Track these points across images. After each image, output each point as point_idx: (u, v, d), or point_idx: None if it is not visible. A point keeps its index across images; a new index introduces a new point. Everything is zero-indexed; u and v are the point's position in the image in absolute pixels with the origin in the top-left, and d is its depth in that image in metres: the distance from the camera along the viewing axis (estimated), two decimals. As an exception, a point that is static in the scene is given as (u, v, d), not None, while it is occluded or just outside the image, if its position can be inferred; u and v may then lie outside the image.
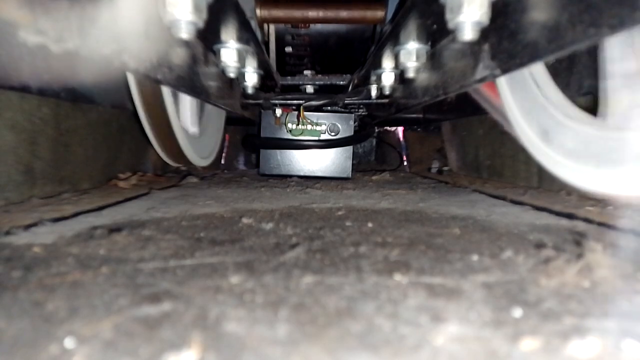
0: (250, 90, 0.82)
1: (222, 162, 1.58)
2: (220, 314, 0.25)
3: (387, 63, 0.75)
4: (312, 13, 0.92)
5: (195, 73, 0.62)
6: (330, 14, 0.92)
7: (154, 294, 0.28)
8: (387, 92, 0.83)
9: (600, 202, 0.64)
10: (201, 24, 0.47)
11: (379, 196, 0.80)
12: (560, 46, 0.34)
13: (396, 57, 0.65)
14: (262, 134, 1.23)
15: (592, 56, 0.63)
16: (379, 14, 0.92)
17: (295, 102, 1.14)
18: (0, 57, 0.52)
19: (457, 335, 0.23)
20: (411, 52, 0.62)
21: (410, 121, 1.56)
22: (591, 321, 0.25)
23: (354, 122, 1.24)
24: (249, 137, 1.42)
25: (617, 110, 0.48)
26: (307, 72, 1.12)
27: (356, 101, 1.08)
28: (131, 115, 0.91)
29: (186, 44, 0.56)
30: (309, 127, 1.22)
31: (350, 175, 1.22)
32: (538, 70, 0.60)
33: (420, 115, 1.46)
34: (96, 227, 0.48)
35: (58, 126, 0.74)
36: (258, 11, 0.90)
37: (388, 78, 0.79)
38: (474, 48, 0.50)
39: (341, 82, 1.10)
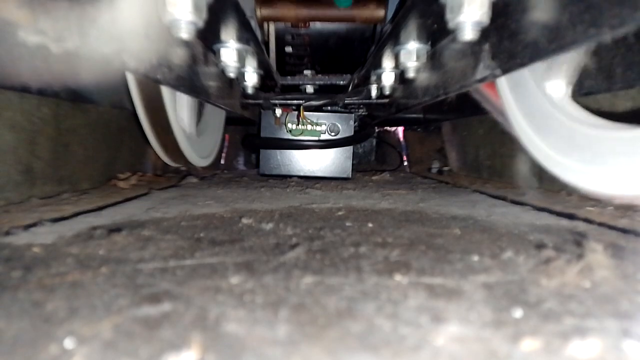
0: (250, 90, 0.82)
1: (222, 162, 1.58)
2: (220, 314, 0.25)
3: (388, 63, 0.75)
4: (312, 12, 0.92)
5: (195, 73, 0.62)
6: (331, 13, 0.92)
7: (154, 294, 0.28)
8: (387, 92, 0.83)
9: (600, 202, 0.64)
10: (201, 24, 0.47)
11: (379, 196, 0.80)
12: (561, 46, 0.34)
13: (396, 57, 0.65)
14: (262, 134, 1.23)
15: (593, 55, 0.63)
16: (379, 13, 0.92)
17: (295, 102, 1.14)
18: (0, 57, 0.52)
19: (457, 335, 0.23)
20: (411, 52, 0.62)
21: (410, 121, 1.56)
22: (592, 322, 0.25)
23: (354, 122, 1.24)
24: (248, 137, 1.42)
25: None
26: (307, 72, 1.12)
27: (356, 101, 1.08)
28: (131, 115, 0.91)
29: (186, 43, 0.56)
30: (309, 127, 1.22)
31: (350, 176, 1.22)
32: (539, 70, 0.60)
33: (421, 115, 1.46)
34: (96, 228, 0.48)
35: (58, 126, 0.74)
36: (258, 10, 0.90)
37: (388, 78, 0.79)
38: (474, 48, 0.50)
39: (341, 82, 1.09)
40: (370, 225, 0.52)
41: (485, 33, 0.45)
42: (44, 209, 0.59)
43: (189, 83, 0.60)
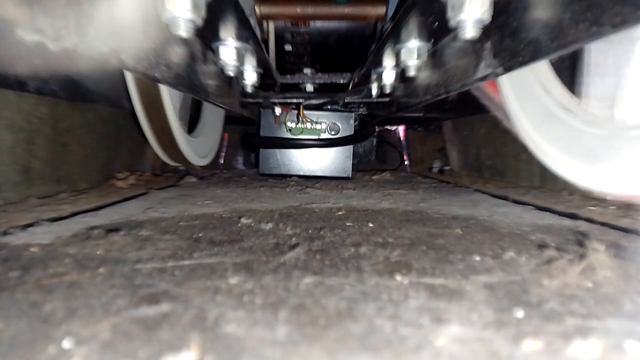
0: (249, 89, 0.82)
1: (221, 161, 1.58)
2: (219, 315, 0.25)
3: (388, 61, 0.75)
4: (312, 10, 0.92)
5: (193, 71, 0.62)
6: (331, 10, 0.92)
7: (152, 294, 0.28)
8: (387, 90, 0.83)
9: (602, 201, 0.64)
10: (200, 22, 0.46)
11: (380, 196, 0.80)
12: (563, 45, 0.34)
13: (397, 55, 0.65)
14: (262, 133, 1.23)
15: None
16: (380, 10, 0.91)
17: (295, 100, 1.13)
18: (-2, 56, 0.52)
19: (458, 336, 0.23)
20: (412, 50, 0.62)
21: (411, 120, 1.56)
22: (593, 322, 0.24)
23: (354, 121, 1.24)
24: (248, 136, 1.42)
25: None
26: (306, 71, 1.12)
27: (356, 100, 1.08)
28: (129, 114, 0.91)
29: (185, 42, 0.56)
30: (309, 126, 1.22)
31: (350, 175, 1.22)
32: (541, 69, 0.60)
33: (421, 114, 1.46)
34: (94, 228, 0.47)
35: (56, 125, 0.74)
36: (257, 8, 0.90)
37: (389, 76, 0.78)
38: (475, 46, 0.49)
39: (341, 81, 1.09)
40: (370, 225, 0.52)
41: (487, 31, 0.45)
42: (42, 209, 0.59)
43: (187, 81, 0.59)
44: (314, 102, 1.11)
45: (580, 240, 0.42)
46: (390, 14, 0.89)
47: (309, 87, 1.12)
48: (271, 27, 1.11)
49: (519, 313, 0.26)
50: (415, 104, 0.79)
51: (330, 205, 0.68)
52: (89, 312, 0.25)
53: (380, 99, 1.01)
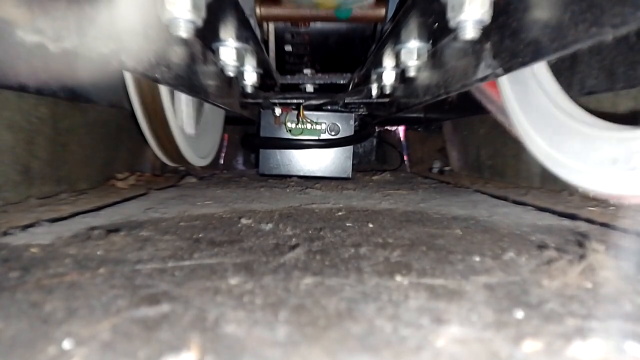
0: (249, 89, 0.82)
1: (221, 162, 1.58)
2: (219, 315, 0.25)
3: (388, 62, 0.75)
4: (312, 11, 0.92)
5: (193, 72, 0.62)
6: (331, 11, 0.92)
7: (153, 295, 0.28)
8: (387, 91, 0.83)
9: (602, 202, 0.64)
10: (200, 22, 0.47)
11: (380, 196, 0.80)
12: (563, 45, 0.34)
13: (397, 56, 0.65)
14: (262, 134, 1.23)
15: (595, 54, 0.63)
16: (380, 12, 0.91)
17: (295, 101, 1.13)
18: (-2, 56, 0.52)
19: (458, 336, 0.23)
20: (412, 51, 0.62)
21: (411, 120, 1.56)
22: (593, 323, 0.24)
23: (354, 122, 1.24)
24: (248, 136, 1.42)
25: None
26: (307, 71, 1.12)
27: (356, 100, 1.08)
28: (129, 115, 0.91)
29: (185, 42, 0.56)
30: (309, 126, 1.22)
31: (350, 175, 1.22)
32: (540, 69, 0.60)
33: (421, 115, 1.46)
34: (94, 228, 0.47)
35: (56, 126, 0.74)
36: (257, 9, 0.90)
37: (389, 77, 0.78)
38: (475, 47, 0.49)
39: (341, 81, 1.09)
40: (370, 225, 0.52)
41: (487, 32, 0.45)
42: (42, 209, 0.59)
43: (187, 82, 0.60)
44: (314, 102, 1.11)
45: (580, 241, 0.42)
46: (390, 14, 0.89)
47: (309, 88, 1.12)
48: (271, 27, 1.11)
49: (519, 313, 0.26)
50: (415, 104, 0.79)
51: (330, 205, 0.68)
52: (89, 312, 0.25)
53: (380, 100, 1.01)
